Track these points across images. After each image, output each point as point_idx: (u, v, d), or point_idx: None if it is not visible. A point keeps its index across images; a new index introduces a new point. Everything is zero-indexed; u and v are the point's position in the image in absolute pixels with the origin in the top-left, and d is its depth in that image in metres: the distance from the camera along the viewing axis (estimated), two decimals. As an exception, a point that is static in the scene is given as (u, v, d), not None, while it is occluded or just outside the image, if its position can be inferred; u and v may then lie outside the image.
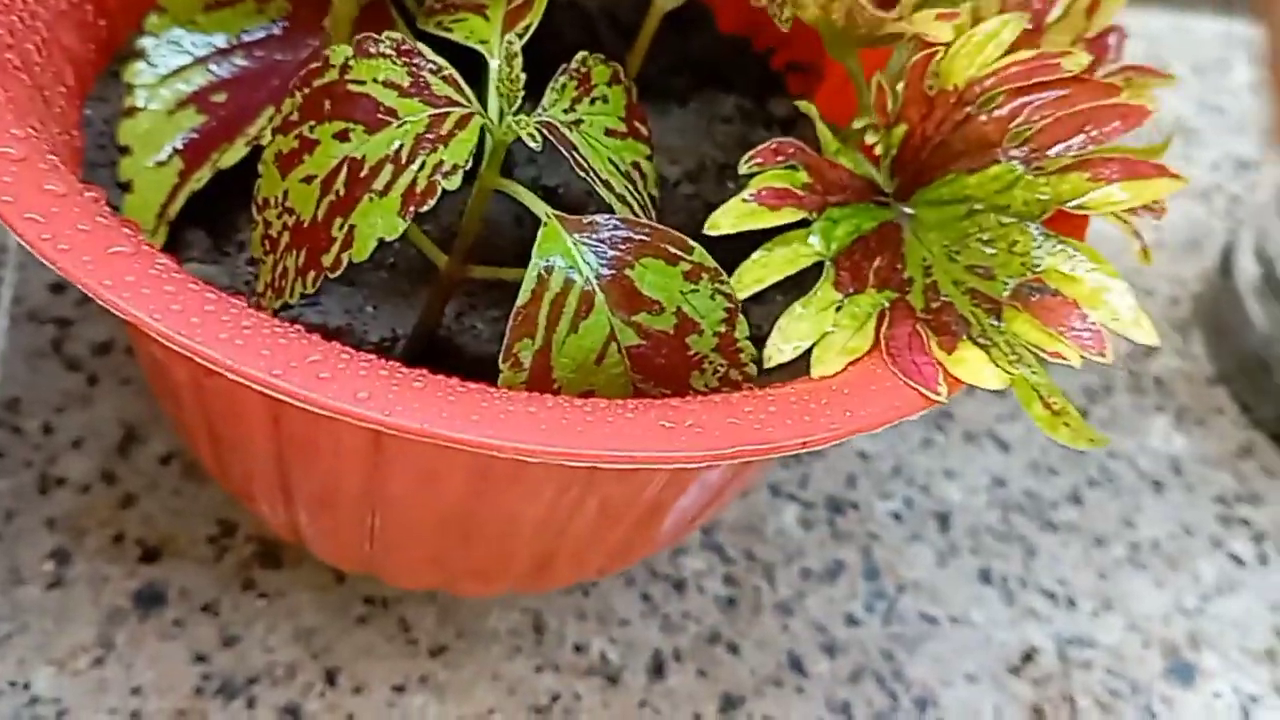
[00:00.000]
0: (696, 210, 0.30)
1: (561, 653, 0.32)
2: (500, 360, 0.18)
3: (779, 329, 0.22)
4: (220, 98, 0.25)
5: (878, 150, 0.25)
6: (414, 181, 0.18)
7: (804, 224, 0.23)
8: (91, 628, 0.30)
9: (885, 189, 0.24)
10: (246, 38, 0.26)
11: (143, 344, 0.24)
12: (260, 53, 0.26)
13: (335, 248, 0.18)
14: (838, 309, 0.22)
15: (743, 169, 0.23)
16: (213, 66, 0.26)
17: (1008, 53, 0.22)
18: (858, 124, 0.26)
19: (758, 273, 0.22)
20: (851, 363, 0.20)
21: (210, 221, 0.25)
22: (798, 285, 0.23)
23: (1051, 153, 0.21)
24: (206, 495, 0.33)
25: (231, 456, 0.25)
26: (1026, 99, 0.21)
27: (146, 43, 0.25)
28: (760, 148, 0.23)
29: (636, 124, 0.22)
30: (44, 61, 0.22)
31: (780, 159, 0.23)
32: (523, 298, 0.18)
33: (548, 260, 0.18)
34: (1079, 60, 0.21)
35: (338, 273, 0.18)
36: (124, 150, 0.25)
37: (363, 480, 0.22)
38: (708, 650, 0.33)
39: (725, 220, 0.22)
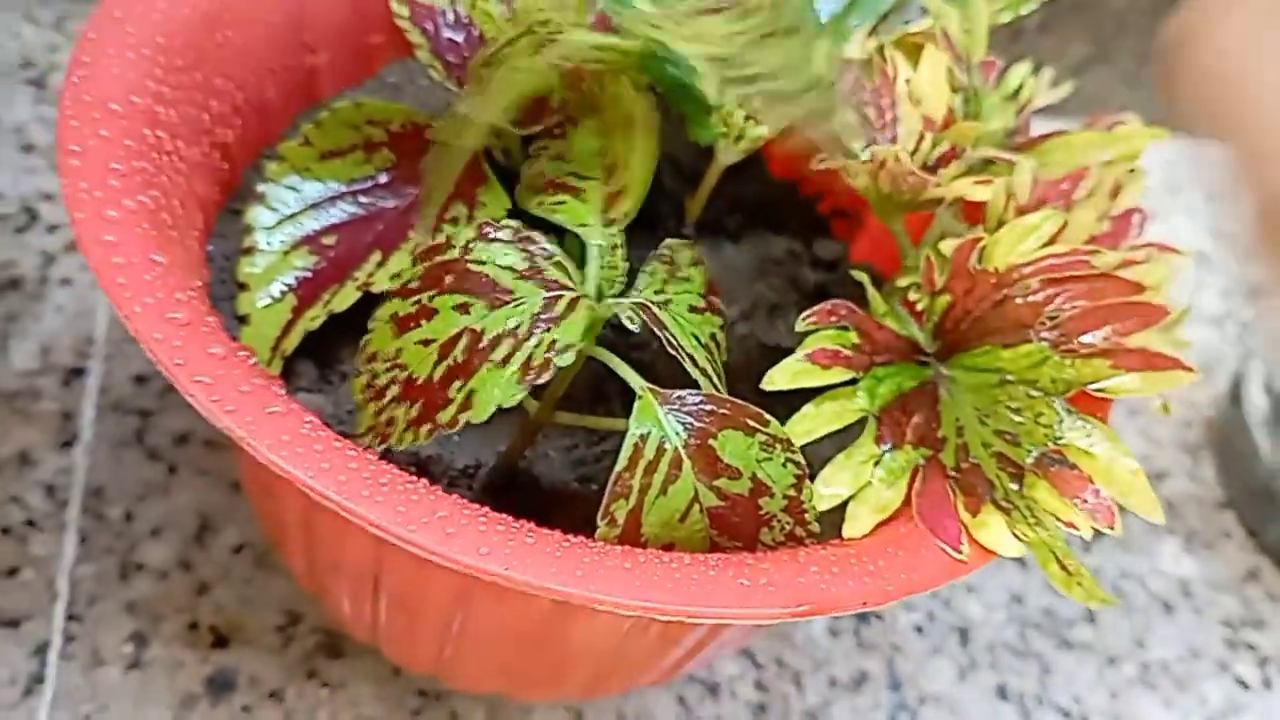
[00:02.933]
0: (751, 349, 0.33)
1: (602, 751, 0.34)
2: (599, 517, 0.21)
3: (823, 478, 0.24)
4: (331, 240, 0.28)
5: (920, 306, 0.28)
6: (530, 356, 0.21)
7: (851, 381, 0.26)
8: (167, 711, 0.33)
9: (926, 349, 0.27)
10: (355, 185, 0.29)
11: (252, 466, 0.27)
12: (366, 199, 0.29)
13: (454, 408, 0.21)
14: (876, 463, 0.25)
15: (799, 326, 0.26)
16: (325, 211, 0.29)
17: (1046, 243, 0.25)
18: (902, 282, 0.29)
19: (808, 425, 0.25)
20: (884, 521, 0.23)
21: (315, 352, 0.28)
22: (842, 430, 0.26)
23: (1079, 339, 0.24)
24: (275, 585, 0.35)
25: (323, 565, 0.27)
26: (1060, 289, 0.24)
27: (267, 188, 0.28)
28: (816, 308, 0.26)
29: (713, 299, 0.25)
30: (184, 213, 0.26)
31: (833, 319, 0.26)
32: (620, 463, 0.21)
33: (643, 429, 0.21)
34: (1107, 259, 0.24)
35: (454, 430, 0.21)
36: (242, 286, 0.28)
37: (453, 599, 0.24)
38: (739, 754, 0.36)
39: (781, 378, 0.25)
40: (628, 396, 0.27)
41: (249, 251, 0.28)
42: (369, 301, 0.28)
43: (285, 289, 0.28)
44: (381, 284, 0.27)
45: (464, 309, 0.22)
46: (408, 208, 0.29)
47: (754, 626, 0.28)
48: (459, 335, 0.22)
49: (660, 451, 0.21)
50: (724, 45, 0.20)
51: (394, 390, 0.22)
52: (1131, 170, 0.28)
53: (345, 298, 0.27)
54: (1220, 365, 0.52)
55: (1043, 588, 0.42)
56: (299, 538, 0.27)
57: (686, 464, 0.21)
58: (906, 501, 0.24)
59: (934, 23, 0.28)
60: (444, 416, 0.21)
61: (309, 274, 0.28)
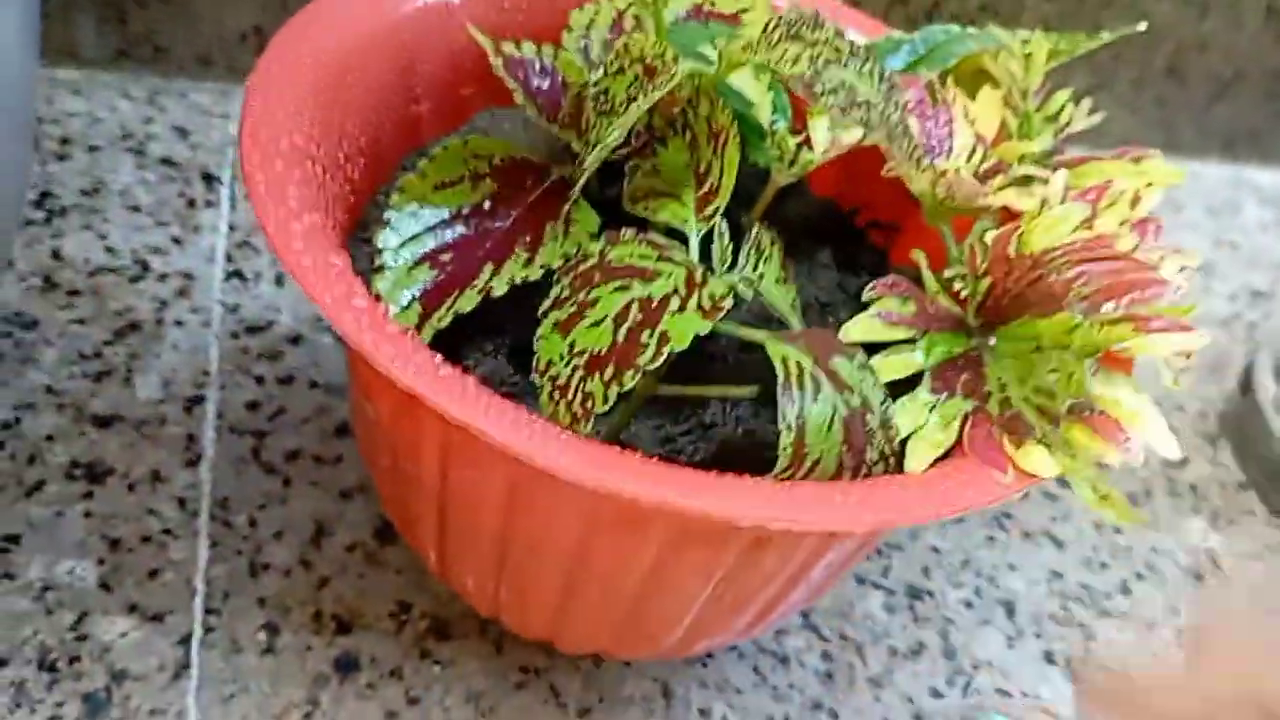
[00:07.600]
0: (810, 341, 0.38)
1: (689, 716, 0.38)
2: (780, 421, 0.26)
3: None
4: (447, 257, 0.33)
5: (964, 294, 0.32)
6: (700, 301, 0.26)
7: (909, 342, 0.30)
8: (301, 689, 0.37)
9: (971, 323, 0.32)
10: (464, 210, 0.34)
11: (389, 444, 0.31)
12: (474, 221, 0.34)
13: (650, 351, 0.25)
14: (931, 409, 0.29)
15: (866, 295, 0.31)
16: (440, 232, 0.34)
17: (1074, 231, 0.30)
18: (948, 273, 0.34)
19: (877, 370, 0.30)
20: (939, 458, 0.27)
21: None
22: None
23: (1104, 308, 0.29)
24: (386, 579, 0.40)
25: (456, 538, 0.32)
26: (1087, 267, 0.29)
27: (391, 215, 0.33)
28: (881, 280, 0.31)
29: (786, 274, 0.30)
30: (335, 234, 0.31)
31: (895, 291, 0.31)
32: (780, 377, 0.26)
33: (781, 354, 0.26)
34: (1127, 242, 0.29)
35: (657, 364, 0.26)
36: (376, 298, 0.33)
37: (575, 553, 0.29)
38: (813, 716, 0.40)
39: (856, 331, 0.30)
40: (700, 375, 0.32)
41: (379, 270, 0.33)
42: (485, 312, 0.33)
43: (412, 299, 0.33)
44: (500, 289, 0.32)
45: (624, 288, 0.27)
46: (510, 227, 0.34)
47: (847, 555, 0.33)
48: (628, 305, 0.27)
49: (801, 368, 0.26)
50: (802, 66, 0.25)
51: (578, 375, 0.27)
52: (1149, 184, 0.33)
53: (468, 300, 0.32)
54: (1230, 364, 0.57)
55: (1079, 564, 0.46)
56: (432, 516, 0.31)
57: (822, 377, 0.26)
58: (957, 444, 0.29)
59: (1000, 58, 0.34)
60: (644, 358, 0.26)
61: (430, 286, 0.33)
